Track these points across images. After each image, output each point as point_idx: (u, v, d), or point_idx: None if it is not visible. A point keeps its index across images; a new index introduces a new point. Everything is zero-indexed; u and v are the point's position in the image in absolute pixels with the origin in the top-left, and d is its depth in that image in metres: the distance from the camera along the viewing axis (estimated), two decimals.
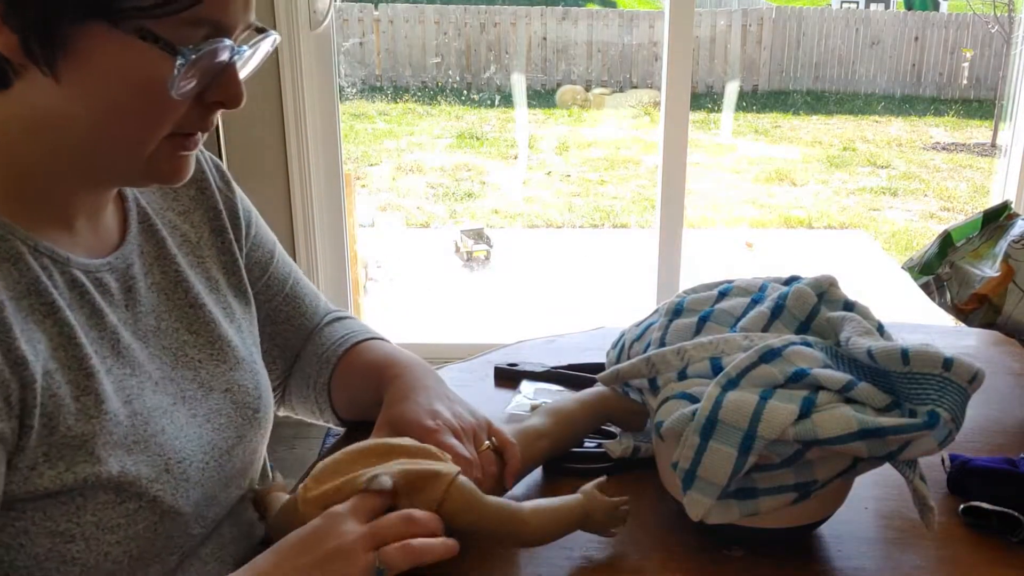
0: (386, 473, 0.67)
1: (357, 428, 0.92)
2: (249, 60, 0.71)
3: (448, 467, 0.70)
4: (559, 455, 0.87)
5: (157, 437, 0.70)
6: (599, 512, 0.74)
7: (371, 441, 0.73)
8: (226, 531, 0.78)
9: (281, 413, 1.00)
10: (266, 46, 0.72)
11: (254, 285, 0.91)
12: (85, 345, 0.67)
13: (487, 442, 0.80)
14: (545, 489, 0.85)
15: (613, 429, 0.92)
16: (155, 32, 0.61)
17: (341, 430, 0.97)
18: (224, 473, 0.76)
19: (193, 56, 0.62)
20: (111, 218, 0.76)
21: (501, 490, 0.80)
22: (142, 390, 0.71)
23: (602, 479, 0.75)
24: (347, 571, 0.63)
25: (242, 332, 0.85)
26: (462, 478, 0.69)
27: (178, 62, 0.62)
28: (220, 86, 0.66)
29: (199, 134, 0.70)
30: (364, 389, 0.90)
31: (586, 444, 0.90)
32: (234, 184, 0.89)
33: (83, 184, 0.70)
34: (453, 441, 0.77)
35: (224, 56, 0.65)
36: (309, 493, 0.69)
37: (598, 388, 0.90)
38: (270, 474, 0.90)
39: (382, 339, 0.97)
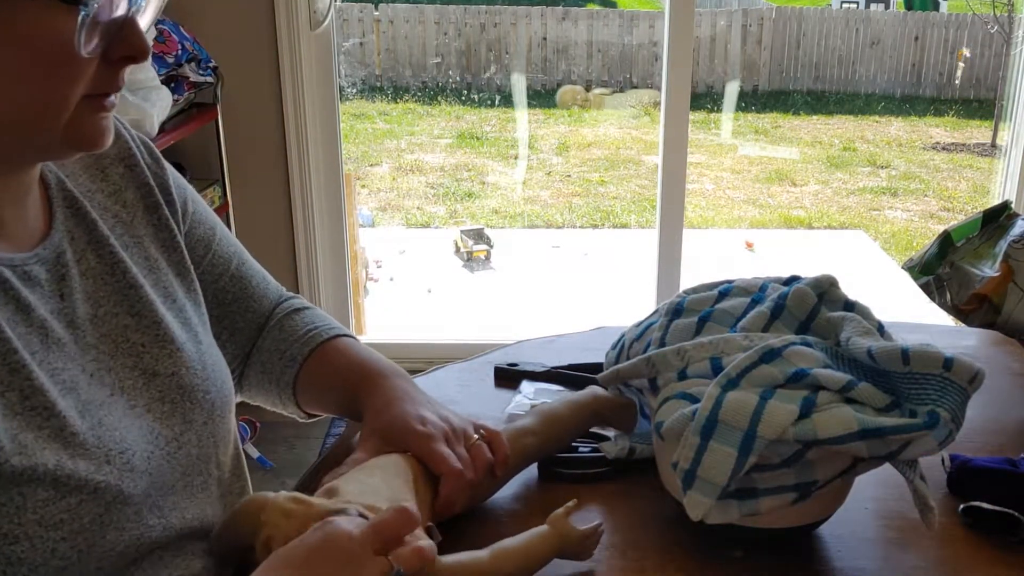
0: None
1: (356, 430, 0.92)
2: (146, 10, 0.69)
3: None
4: (549, 453, 0.87)
5: (95, 430, 0.68)
6: (571, 542, 0.72)
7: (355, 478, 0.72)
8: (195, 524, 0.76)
9: (237, 400, 0.97)
10: None
11: (198, 265, 0.88)
12: (11, 340, 0.65)
13: (475, 436, 0.81)
14: (541, 494, 0.85)
15: (607, 432, 0.92)
16: None
17: (340, 430, 0.97)
18: (176, 461, 0.74)
19: (96, 5, 0.61)
20: (35, 207, 0.73)
21: (493, 481, 0.80)
22: (76, 383, 0.69)
23: (571, 503, 0.74)
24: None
25: (185, 312, 0.82)
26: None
27: (81, 14, 0.61)
28: (124, 41, 0.65)
29: (112, 96, 0.69)
30: (336, 392, 0.89)
31: (580, 449, 0.90)
32: (164, 162, 0.87)
33: (2, 169, 0.68)
34: (444, 451, 0.77)
35: (122, 9, 0.64)
36: (287, 506, 0.67)
37: (587, 389, 0.90)
38: (247, 474, 0.89)
39: (347, 335, 0.95)
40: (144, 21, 0.69)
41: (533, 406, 1.02)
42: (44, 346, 0.68)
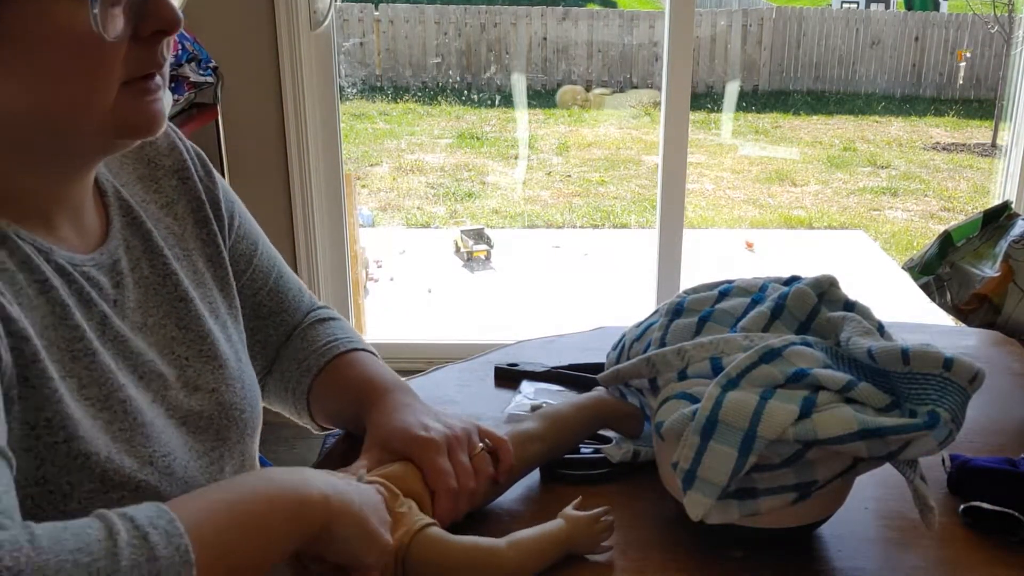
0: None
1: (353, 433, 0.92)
2: None
3: (414, 518, 0.69)
4: (554, 459, 0.87)
5: (143, 428, 0.69)
6: (582, 531, 0.73)
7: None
8: None
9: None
10: None
11: (239, 279, 0.89)
12: (80, 326, 0.65)
13: (480, 445, 0.80)
14: (544, 496, 0.85)
15: (610, 434, 0.92)
16: None
17: (341, 431, 0.97)
18: (210, 473, 0.75)
19: None
20: (92, 215, 0.74)
21: (496, 488, 0.80)
22: (126, 382, 0.70)
23: (577, 500, 0.75)
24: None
25: (227, 329, 0.83)
26: (432, 529, 0.69)
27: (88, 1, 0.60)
28: (151, 15, 0.64)
29: (156, 76, 0.67)
30: (344, 404, 0.89)
31: (583, 450, 0.90)
32: (216, 175, 0.87)
33: (59, 172, 0.68)
34: (444, 465, 0.76)
35: None
36: None
37: (594, 393, 0.90)
38: None
39: (365, 349, 0.94)
40: None
41: (533, 406, 1.02)
42: (102, 339, 0.69)
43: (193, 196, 0.83)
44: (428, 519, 0.71)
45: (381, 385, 0.87)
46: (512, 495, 0.84)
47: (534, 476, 0.87)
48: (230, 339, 0.83)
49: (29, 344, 0.61)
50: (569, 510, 0.74)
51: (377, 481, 0.71)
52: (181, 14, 0.65)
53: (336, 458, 0.90)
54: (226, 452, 0.78)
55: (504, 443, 0.81)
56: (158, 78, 0.67)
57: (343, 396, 0.90)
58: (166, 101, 0.69)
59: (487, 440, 0.81)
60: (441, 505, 0.75)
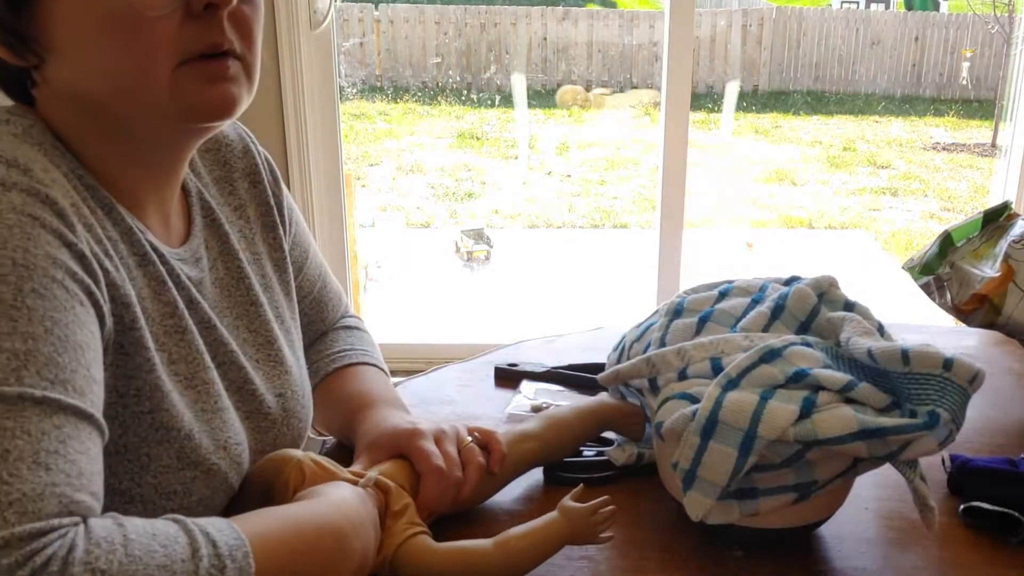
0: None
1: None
2: None
3: (402, 527, 0.69)
4: (553, 459, 0.86)
5: (222, 413, 0.70)
6: (581, 522, 0.72)
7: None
8: None
9: None
10: None
11: None
12: (173, 302, 0.66)
13: (468, 438, 0.80)
14: (545, 496, 0.85)
15: (612, 436, 0.92)
16: None
17: None
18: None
19: None
20: (177, 213, 0.74)
21: (490, 484, 0.80)
22: (208, 367, 0.70)
23: (578, 488, 0.74)
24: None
25: (290, 334, 0.84)
26: (417, 539, 0.69)
27: None
28: None
29: (226, 61, 0.64)
30: (334, 415, 0.90)
31: (586, 453, 0.89)
32: (282, 183, 0.88)
33: (148, 161, 0.68)
34: (430, 447, 0.76)
35: None
36: None
37: (596, 396, 0.90)
38: None
39: (375, 364, 0.95)
40: None
41: (533, 406, 1.02)
42: (185, 325, 0.69)
43: (262, 200, 0.84)
44: (418, 527, 0.70)
45: (372, 399, 0.87)
46: (512, 495, 0.84)
47: (536, 477, 0.87)
48: (292, 344, 0.84)
49: (129, 311, 0.61)
50: (567, 502, 0.73)
51: (381, 482, 0.71)
52: None
53: (335, 456, 0.90)
54: None
55: (492, 434, 0.81)
56: (228, 60, 0.64)
57: (338, 406, 0.90)
58: (241, 85, 0.66)
59: (476, 434, 0.81)
60: (428, 487, 0.74)
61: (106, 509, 0.60)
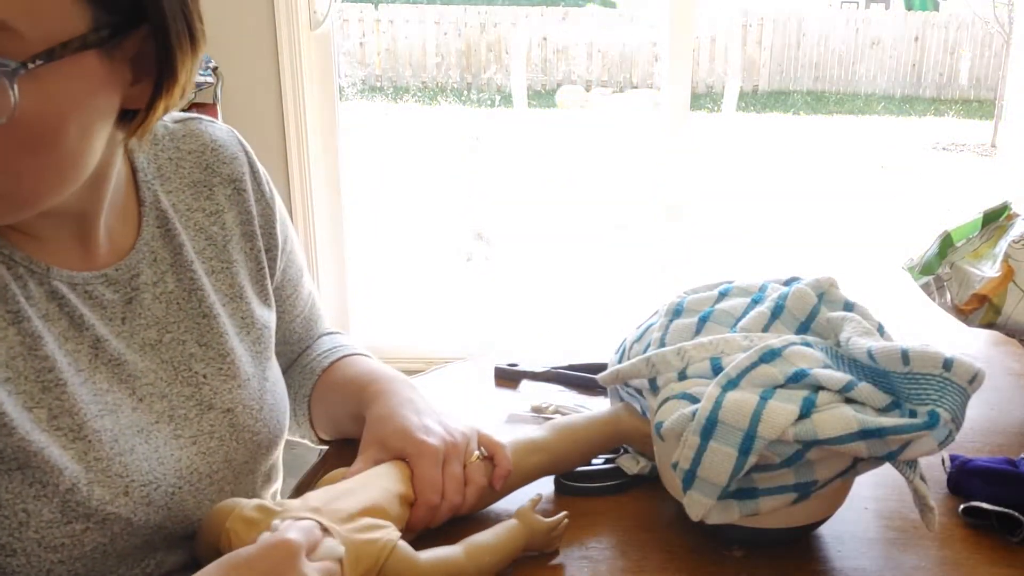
0: (339, 541, 0.65)
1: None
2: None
3: (387, 535, 0.67)
4: (561, 471, 0.85)
5: (123, 457, 0.68)
6: (539, 534, 0.73)
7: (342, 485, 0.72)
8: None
9: None
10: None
11: (281, 303, 0.89)
12: (51, 357, 0.65)
13: (476, 452, 0.78)
14: (554, 509, 0.81)
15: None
16: None
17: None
18: (204, 496, 0.74)
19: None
20: (121, 225, 0.73)
21: (492, 495, 0.79)
22: (119, 406, 0.69)
23: (536, 497, 0.74)
24: None
25: (259, 343, 0.82)
26: (399, 545, 0.67)
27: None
28: None
29: None
30: (342, 403, 0.88)
31: (594, 460, 0.88)
32: (276, 198, 0.87)
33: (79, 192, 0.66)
34: (433, 475, 0.74)
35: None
36: (251, 514, 0.67)
37: (614, 408, 0.87)
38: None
39: (366, 355, 0.95)
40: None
41: (533, 406, 1.02)
42: (92, 365, 0.68)
43: (244, 209, 0.83)
44: (395, 535, 0.68)
45: (379, 378, 0.86)
46: (514, 496, 0.83)
47: (545, 485, 0.85)
48: (257, 357, 0.82)
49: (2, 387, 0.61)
50: (528, 509, 0.73)
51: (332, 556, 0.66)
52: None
53: (332, 461, 0.90)
54: (229, 474, 0.77)
55: (501, 451, 0.79)
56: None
57: (339, 396, 0.89)
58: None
59: (483, 448, 0.79)
60: (418, 516, 0.73)
61: None
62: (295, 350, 0.96)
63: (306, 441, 0.98)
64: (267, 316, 0.84)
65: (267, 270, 0.85)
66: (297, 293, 0.92)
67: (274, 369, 0.85)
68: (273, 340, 0.86)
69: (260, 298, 0.84)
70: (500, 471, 0.78)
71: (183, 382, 0.74)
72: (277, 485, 0.88)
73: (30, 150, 0.58)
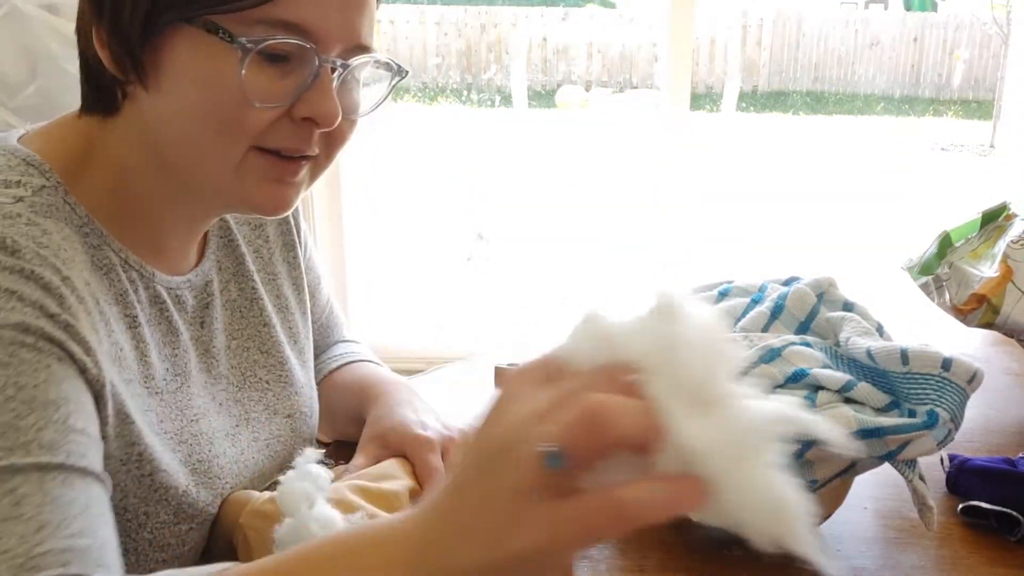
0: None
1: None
2: (356, 84, 0.67)
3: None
4: None
5: (219, 459, 0.70)
6: None
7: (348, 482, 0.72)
8: None
9: None
10: (387, 77, 0.68)
11: None
12: (155, 364, 0.66)
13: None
14: None
15: None
16: (219, 24, 0.58)
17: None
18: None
19: (252, 48, 0.59)
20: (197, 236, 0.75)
21: None
22: (207, 411, 0.71)
23: None
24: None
25: (304, 355, 0.84)
26: None
27: (239, 54, 0.58)
28: (308, 100, 0.62)
29: (301, 163, 0.65)
30: (342, 405, 0.90)
31: None
32: (300, 210, 0.88)
33: (182, 207, 0.68)
34: (437, 463, 0.76)
35: (312, 64, 0.61)
36: (263, 507, 0.67)
37: None
38: None
39: (376, 362, 0.96)
40: (367, 104, 0.67)
41: None
42: (185, 371, 0.69)
43: (282, 220, 0.84)
44: None
45: (381, 381, 0.88)
46: None
47: None
48: (305, 364, 0.84)
49: (117, 385, 0.62)
50: None
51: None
52: (339, 112, 0.63)
53: (332, 458, 0.90)
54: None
55: None
56: (302, 163, 0.65)
57: (341, 397, 0.91)
58: (301, 189, 0.67)
59: None
60: None
61: None
62: (318, 357, 0.97)
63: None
64: (307, 328, 0.86)
65: (304, 280, 0.86)
66: (315, 300, 0.93)
67: (314, 377, 0.87)
68: (311, 347, 0.87)
69: (300, 309, 0.85)
70: None
71: (251, 387, 0.76)
72: None
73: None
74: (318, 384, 0.93)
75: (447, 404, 1.03)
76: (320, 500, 0.63)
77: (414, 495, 0.74)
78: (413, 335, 3.57)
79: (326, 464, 0.68)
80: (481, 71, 7.02)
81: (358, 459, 0.78)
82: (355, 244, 2.92)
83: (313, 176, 0.68)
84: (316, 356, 0.98)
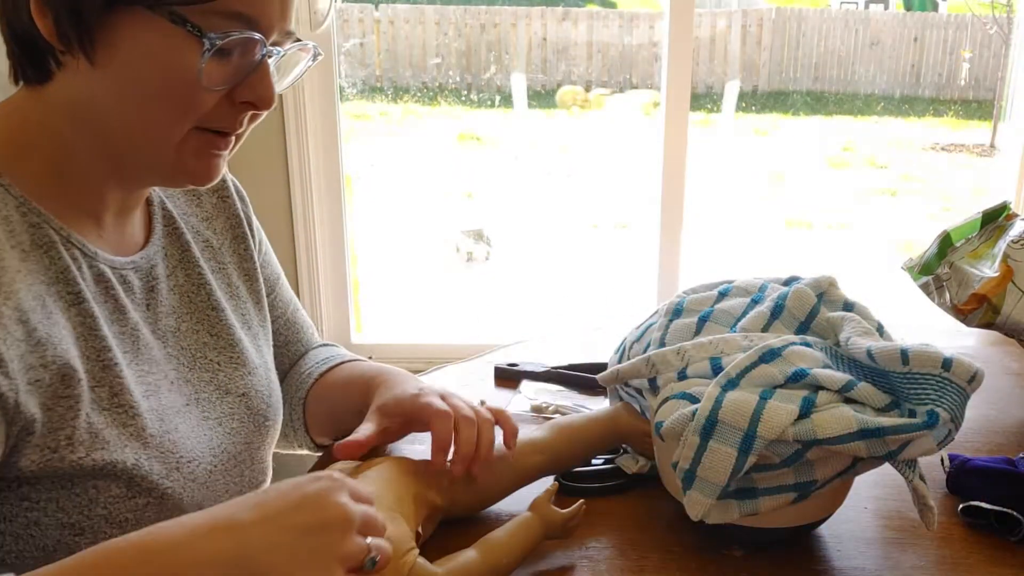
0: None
1: None
2: (286, 68, 0.72)
3: (406, 550, 0.66)
4: (562, 471, 0.85)
5: (171, 434, 0.71)
6: (555, 526, 0.73)
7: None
8: None
9: None
10: (305, 59, 0.73)
11: None
12: (107, 337, 0.68)
13: (478, 403, 0.80)
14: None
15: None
16: (185, 17, 0.62)
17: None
18: (230, 479, 0.77)
19: (219, 42, 0.63)
20: (137, 220, 0.77)
21: (496, 486, 0.79)
22: (158, 387, 0.72)
23: (553, 487, 0.74)
24: (342, 549, 0.53)
25: (258, 340, 0.86)
26: (419, 563, 0.66)
27: (205, 46, 0.62)
28: (250, 84, 0.67)
29: (232, 137, 0.70)
30: (344, 400, 0.90)
31: (594, 460, 0.88)
32: (250, 205, 0.92)
33: (117, 179, 0.71)
34: (435, 400, 0.77)
35: (257, 53, 0.66)
36: None
37: (613, 407, 0.87)
38: None
39: (363, 360, 0.98)
40: (284, 81, 0.71)
41: (533, 406, 1.02)
42: (135, 347, 0.71)
43: (231, 214, 0.88)
44: (414, 551, 0.67)
45: (382, 371, 0.89)
46: (517, 496, 0.84)
47: (545, 485, 0.84)
48: (260, 350, 0.86)
49: (72, 365, 0.64)
50: (544, 501, 0.73)
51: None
52: (275, 96, 0.68)
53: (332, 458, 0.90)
54: (248, 457, 0.80)
55: (503, 411, 0.80)
56: (232, 139, 0.71)
57: (342, 393, 0.92)
58: (226, 160, 0.73)
59: (485, 403, 0.82)
60: (437, 427, 0.74)
61: (55, 543, 0.63)
62: (285, 356, 0.98)
63: (302, 450, 0.99)
64: (261, 317, 0.89)
65: (258, 272, 0.89)
66: (276, 294, 0.95)
67: (273, 365, 0.89)
68: (270, 337, 0.90)
69: (253, 299, 0.88)
70: (509, 432, 0.79)
71: (201, 368, 0.78)
72: (268, 481, 0.89)
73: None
74: (309, 387, 0.94)
75: None
76: None
77: (416, 500, 0.72)
78: (413, 335, 3.57)
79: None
80: (481, 71, 7.01)
81: (365, 426, 0.77)
82: (355, 244, 2.92)
83: (234, 148, 0.73)
84: (293, 360, 1.00)
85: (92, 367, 0.66)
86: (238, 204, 0.89)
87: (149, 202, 0.80)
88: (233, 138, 0.71)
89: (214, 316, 0.81)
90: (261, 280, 0.89)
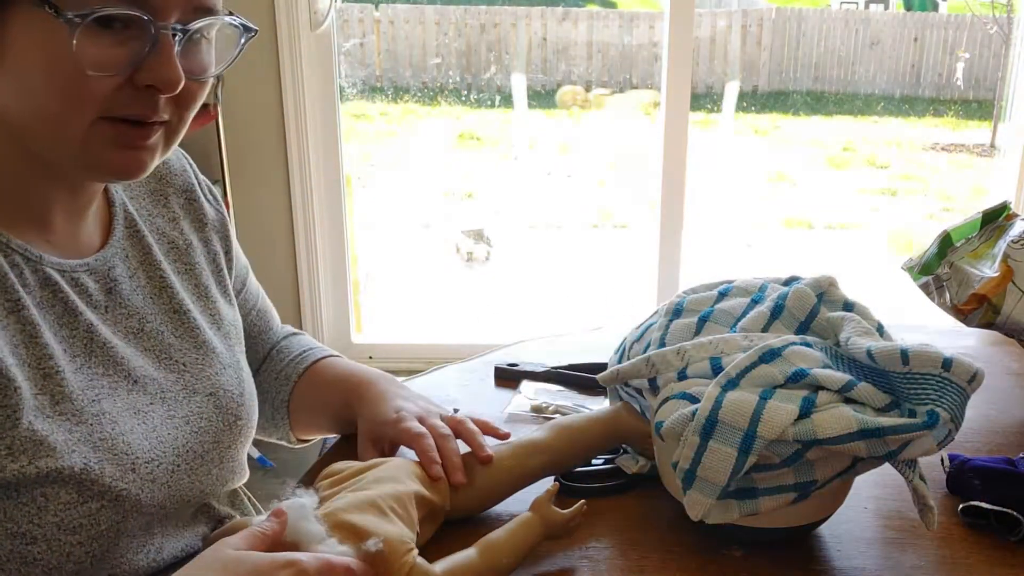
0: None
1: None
2: (222, 47, 0.68)
3: (406, 550, 0.66)
4: (563, 471, 0.85)
5: (125, 436, 0.69)
6: (555, 526, 0.73)
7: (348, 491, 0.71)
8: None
9: None
10: (243, 36, 0.69)
11: (235, 298, 0.93)
12: (48, 344, 0.66)
13: (451, 410, 0.83)
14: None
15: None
16: (51, 1, 0.59)
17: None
18: (196, 478, 0.76)
19: (79, 20, 0.59)
20: (94, 222, 0.76)
21: (496, 488, 0.80)
22: (115, 389, 0.71)
23: (553, 487, 0.74)
24: None
25: (229, 338, 0.85)
26: (418, 563, 0.66)
27: (67, 27, 0.59)
28: (150, 67, 0.63)
29: (152, 129, 0.66)
30: (328, 404, 0.93)
31: (594, 460, 0.88)
32: (222, 205, 0.92)
33: (50, 179, 0.69)
34: (412, 424, 0.80)
35: (147, 32, 0.62)
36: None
37: (614, 407, 0.87)
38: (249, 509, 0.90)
39: (337, 356, 0.99)
40: (218, 66, 0.68)
41: (533, 406, 1.02)
42: (87, 350, 0.70)
43: (198, 216, 0.87)
44: (412, 552, 0.66)
45: (364, 378, 0.92)
46: (518, 497, 0.84)
47: (545, 484, 0.84)
48: (231, 349, 0.85)
49: (8, 373, 0.62)
50: (544, 501, 0.74)
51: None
52: (181, 76, 0.64)
53: (335, 458, 0.90)
54: (217, 456, 0.79)
55: (489, 423, 0.84)
56: (153, 128, 0.66)
57: (324, 398, 0.93)
58: (156, 153, 0.69)
59: (457, 409, 0.85)
60: (422, 450, 0.77)
61: (8, 553, 0.62)
62: (259, 346, 1.00)
63: (283, 443, 1.02)
64: (233, 314, 0.88)
65: (226, 271, 0.89)
66: (247, 288, 0.96)
67: (247, 364, 0.89)
68: (242, 336, 0.90)
69: (224, 298, 0.88)
70: (483, 430, 0.82)
71: (167, 368, 0.77)
72: (245, 478, 0.89)
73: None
74: (291, 390, 0.95)
75: (447, 404, 1.04)
76: (323, 536, 0.63)
77: (416, 499, 0.73)
78: (413, 335, 3.57)
79: (315, 490, 0.69)
80: (481, 71, 7.01)
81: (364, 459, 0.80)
82: (355, 244, 2.92)
83: (169, 139, 0.69)
84: (267, 350, 1.01)
85: (33, 374, 0.65)
86: (206, 207, 0.88)
87: (111, 203, 0.78)
88: (158, 128, 0.67)
89: (177, 319, 0.79)
90: (229, 280, 0.89)
